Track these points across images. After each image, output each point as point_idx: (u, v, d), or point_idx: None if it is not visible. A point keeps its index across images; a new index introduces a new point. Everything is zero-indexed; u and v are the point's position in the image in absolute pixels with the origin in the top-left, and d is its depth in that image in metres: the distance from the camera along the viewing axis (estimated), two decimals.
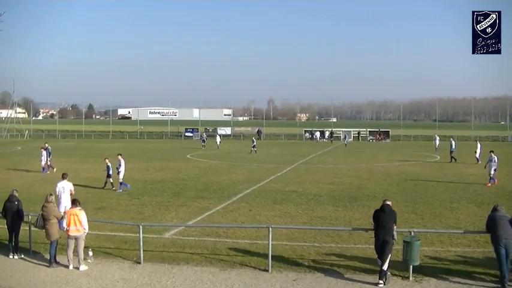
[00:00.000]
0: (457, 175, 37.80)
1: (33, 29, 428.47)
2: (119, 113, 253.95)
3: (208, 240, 18.34)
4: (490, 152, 33.77)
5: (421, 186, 31.76)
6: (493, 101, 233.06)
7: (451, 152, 49.59)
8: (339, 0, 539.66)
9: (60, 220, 15.84)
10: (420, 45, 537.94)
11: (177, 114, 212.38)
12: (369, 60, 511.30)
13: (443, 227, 20.54)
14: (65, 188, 20.63)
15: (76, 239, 15.32)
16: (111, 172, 30.57)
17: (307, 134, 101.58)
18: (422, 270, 14.50)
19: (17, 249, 16.53)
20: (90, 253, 16.00)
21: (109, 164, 30.74)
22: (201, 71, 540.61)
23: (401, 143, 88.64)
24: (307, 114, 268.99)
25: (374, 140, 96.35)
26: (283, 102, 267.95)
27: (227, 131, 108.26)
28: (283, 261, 15.74)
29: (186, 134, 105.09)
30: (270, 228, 15.26)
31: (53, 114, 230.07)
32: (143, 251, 15.89)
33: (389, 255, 13.90)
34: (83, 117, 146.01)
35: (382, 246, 13.97)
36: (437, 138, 65.66)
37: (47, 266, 15.51)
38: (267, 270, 14.87)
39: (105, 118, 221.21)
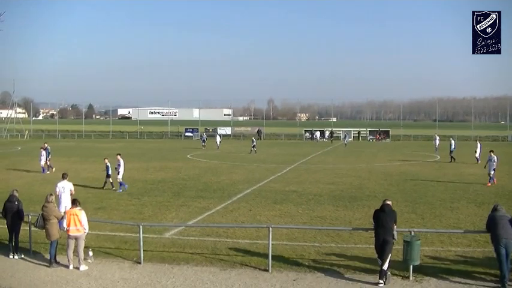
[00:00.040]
0: (457, 175, 37.80)
1: (33, 29, 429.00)
2: (119, 113, 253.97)
3: (209, 240, 18.34)
4: (490, 151, 33.78)
5: (421, 186, 31.76)
6: (493, 101, 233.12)
7: (451, 151, 49.61)
8: (339, 0, 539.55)
9: (60, 220, 15.84)
10: (420, 45, 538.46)
11: (177, 114, 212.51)
12: (369, 60, 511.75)
13: (443, 226, 20.55)
14: (65, 188, 20.63)
15: (76, 239, 15.32)
16: (110, 172, 30.56)
17: (307, 134, 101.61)
18: (422, 270, 14.51)
19: (17, 249, 16.53)
20: (90, 253, 16.00)
21: (108, 164, 30.72)
22: (201, 71, 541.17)
23: (402, 143, 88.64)
24: (307, 114, 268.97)
25: (374, 140, 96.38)
26: (283, 102, 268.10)
27: (227, 131, 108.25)
28: (284, 261, 15.74)
29: (186, 134, 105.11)
30: (270, 228, 15.26)
31: (53, 114, 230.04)
32: (143, 251, 15.88)
33: (390, 255, 13.90)
34: (83, 117, 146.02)
35: (382, 246, 13.97)
36: (437, 138, 65.73)
37: (47, 266, 15.50)
38: (267, 270, 14.86)
39: (105, 118, 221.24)
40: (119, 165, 30.06)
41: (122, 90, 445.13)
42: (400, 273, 14.37)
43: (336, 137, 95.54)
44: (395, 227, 14.32)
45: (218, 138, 73.26)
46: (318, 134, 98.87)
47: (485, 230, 14.59)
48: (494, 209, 14.28)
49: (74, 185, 21.79)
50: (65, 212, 16.52)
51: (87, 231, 15.69)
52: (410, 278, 14.06)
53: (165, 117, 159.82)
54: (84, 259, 15.50)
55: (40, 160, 39.34)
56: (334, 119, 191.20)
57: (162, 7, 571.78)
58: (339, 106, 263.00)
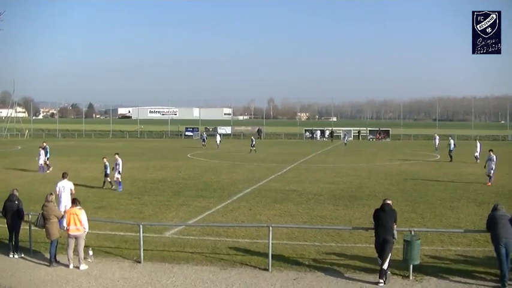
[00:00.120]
0: (457, 174, 37.81)
1: (33, 29, 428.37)
2: (119, 112, 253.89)
3: (209, 239, 18.34)
4: (489, 151, 33.80)
5: (421, 186, 31.76)
6: (493, 101, 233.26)
7: (450, 151, 49.63)
8: (339, 0, 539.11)
9: (60, 219, 15.84)
10: (420, 45, 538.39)
11: (177, 113, 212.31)
12: (369, 60, 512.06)
13: (443, 226, 20.55)
14: (65, 188, 20.62)
15: (76, 238, 15.32)
16: (108, 171, 30.54)
17: (307, 133, 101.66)
18: (422, 270, 14.51)
19: (17, 249, 16.52)
20: (91, 252, 16.00)
21: (107, 163, 30.70)
22: (201, 71, 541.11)
23: (402, 142, 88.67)
24: (307, 114, 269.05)
25: (374, 139, 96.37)
26: (283, 101, 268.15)
27: (227, 130, 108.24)
28: (284, 260, 15.74)
29: (186, 133, 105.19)
30: (270, 228, 15.26)
31: (53, 113, 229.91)
32: (143, 250, 15.88)
33: (390, 255, 13.90)
34: (83, 116, 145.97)
35: (382, 246, 13.97)
36: (437, 137, 65.74)
37: (47, 265, 15.50)
38: (267, 269, 14.86)
39: (106, 117, 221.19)
40: (117, 164, 30.02)
41: (122, 89, 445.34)
42: (400, 273, 14.37)
43: (336, 136, 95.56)
44: (395, 226, 14.32)
45: (218, 138, 73.30)
46: (318, 133, 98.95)
47: (485, 230, 14.58)
48: (495, 209, 14.28)
49: (74, 184, 21.76)
50: (65, 211, 16.50)
51: (87, 230, 15.69)
52: (411, 278, 14.06)
53: (165, 117, 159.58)
54: (84, 258, 15.50)
55: (39, 159, 39.30)
56: (335, 119, 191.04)
57: (162, 7, 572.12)
58: (339, 105, 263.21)
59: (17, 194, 17.07)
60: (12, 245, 16.53)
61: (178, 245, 17.67)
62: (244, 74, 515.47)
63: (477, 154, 46.39)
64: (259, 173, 38.85)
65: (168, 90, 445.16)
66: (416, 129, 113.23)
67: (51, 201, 16.15)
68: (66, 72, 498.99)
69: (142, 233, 16.03)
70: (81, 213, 15.47)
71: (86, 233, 15.67)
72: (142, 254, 15.77)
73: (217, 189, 30.09)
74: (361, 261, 15.56)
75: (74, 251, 15.38)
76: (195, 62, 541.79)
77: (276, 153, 60.52)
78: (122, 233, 18.94)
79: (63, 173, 21.57)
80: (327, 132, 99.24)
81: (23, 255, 16.48)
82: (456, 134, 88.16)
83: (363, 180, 34.59)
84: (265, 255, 15.26)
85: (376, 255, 14.28)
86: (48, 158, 40.34)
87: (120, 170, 29.98)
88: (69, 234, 15.34)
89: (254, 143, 62.26)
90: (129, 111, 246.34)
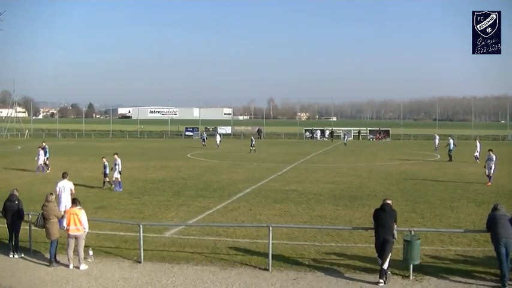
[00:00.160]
0: (457, 174, 37.82)
1: (34, 29, 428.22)
2: (119, 112, 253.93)
3: (209, 239, 18.35)
4: (489, 150, 33.83)
5: (421, 186, 31.77)
6: (493, 100, 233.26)
7: (450, 151, 49.65)
8: (339, 0, 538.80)
9: (60, 219, 15.84)
10: (420, 45, 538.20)
11: (177, 113, 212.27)
12: (369, 60, 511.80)
13: (443, 226, 20.55)
14: (65, 187, 20.62)
15: (76, 238, 15.33)
16: (108, 171, 30.51)
17: (307, 133, 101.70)
18: (422, 269, 14.51)
19: (17, 249, 16.53)
20: (91, 252, 16.00)
21: (106, 163, 30.67)
22: (201, 71, 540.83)
23: (402, 142, 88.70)
24: (307, 114, 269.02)
25: (374, 139, 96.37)
26: (283, 101, 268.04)
27: (227, 130, 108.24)
28: (284, 260, 15.74)
29: (186, 133, 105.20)
30: (270, 228, 15.27)
31: (53, 113, 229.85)
32: (143, 250, 15.88)
33: (390, 254, 13.90)
34: (83, 116, 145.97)
35: (382, 245, 13.97)
36: (437, 137, 65.72)
37: (47, 265, 15.50)
38: (268, 269, 14.86)
39: (106, 117, 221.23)
40: (116, 164, 29.99)
41: (122, 89, 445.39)
42: (400, 273, 14.38)
43: (336, 136, 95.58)
44: (395, 226, 14.32)
45: (218, 138, 73.33)
46: (318, 133, 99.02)
47: (485, 229, 14.58)
48: (495, 208, 14.29)
49: (74, 184, 21.78)
50: (65, 211, 16.51)
51: (87, 230, 15.69)
52: (411, 277, 14.07)
53: (165, 117, 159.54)
54: (84, 258, 15.50)
55: (38, 159, 39.24)
56: (335, 118, 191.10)
57: (162, 7, 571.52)
58: (339, 105, 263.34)
59: (17, 194, 17.07)
60: (12, 245, 16.53)
61: (178, 245, 17.67)
62: (244, 74, 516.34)
63: (477, 154, 46.43)
64: (259, 173, 38.86)
65: (168, 90, 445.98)
66: (416, 129, 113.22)
67: (51, 201, 16.15)
68: (66, 72, 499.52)
69: (143, 233, 16.03)
70: (81, 213, 15.48)
71: (86, 233, 15.67)
72: (142, 254, 15.77)
73: (217, 189, 30.09)
74: (361, 261, 15.56)
75: (74, 251, 15.38)
76: (195, 62, 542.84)
77: (276, 153, 60.53)
78: (122, 233, 18.94)
79: (63, 173, 21.57)
80: (327, 132, 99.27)
81: (23, 255, 16.48)
82: (456, 134, 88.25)
83: (363, 180, 34.60)
84: (265, 255, 15.26)
85: (376, 255, 14.29)
86: (47, 158, 40.30)
87: (120, 170, 29.96)
88: (69, 234, 15.34)
89: (254, 143, 62.27)
90: (129, 111, 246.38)
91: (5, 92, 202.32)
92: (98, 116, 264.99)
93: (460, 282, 13.83)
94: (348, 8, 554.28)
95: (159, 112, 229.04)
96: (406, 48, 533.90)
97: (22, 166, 42.68)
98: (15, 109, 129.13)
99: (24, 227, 17.06)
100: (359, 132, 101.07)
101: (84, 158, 51.19)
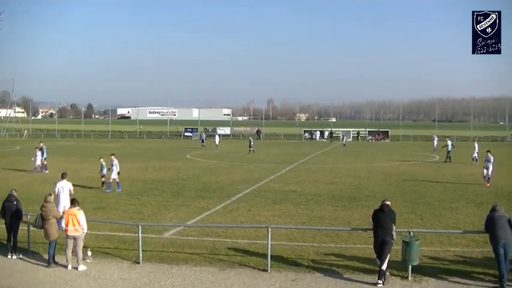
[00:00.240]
0: (456, 175, 37.83)
1: (33, 29, 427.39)
2: (118, 113, 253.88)
3: (208, 240, 18.34)
4: (487, 151, 33.91)
5: (420, 187, 31.78)
6: (492, 102, 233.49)
7: (448, 152, 49.68)
8: (339, 0, 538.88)
9: (59, 220, 15.83)
10: (420, 45, 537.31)
11: (176, 114, 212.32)
12: (368, 61, 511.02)
13: (442, 227, 20.57)
14: (64, 188, 20.59)
15: (75, 239, 15.31)
16: (105, 172, 30.40)
17: (306, 134, 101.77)
18: (421, 270, 14.52)
19: (15, 249, 16.51)
20: (89, 253, 15.99)
21: (103, 163, 30.57)
22: (201, 71, 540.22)
23: (401, 143, 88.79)
24: (306, 114, 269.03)
25: (373, 140, 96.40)
26: (282, 102, 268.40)
27: (226, 130, 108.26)
28: (283, 261, 15.74)
29: (185, 133, 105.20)
30: (269, 229, 15.28)
31: (52, 113, 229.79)
32: (142, 251, 15.88)
33: (389, 255, 13.91)
34: (82, 116, 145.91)
35: (381, 246, 13.98)
36: (436, 138, 65.68)
37: (45, 266, 15.49)
38: (266, 270, 14.86)
39: (105, 118, 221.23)
40: (113, 165, 29.92)
41: (122, 90, 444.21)
42: (399, 274, 14.38)
43: (335, 137, 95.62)
44: (394, 227, 14.33)
45: (217, 138, 73.34)
46: (317, 134, 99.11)
47: (484, 230, 14.59)
48: (493, 209, 14.29)
49: (73, 184, 21.76)
50: (63, 212, 16.50)
51: (85, 231, 15.67)
52: (409, 278, 14.08)
53: (165, 117, 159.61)
54: (83, 259, 15.49)
55: (35, 160, 39.16)
56: (334, 119, 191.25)
57: (162, 7, 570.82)
58: (338, 106, 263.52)
59: (15, 194, 17.06)
60: (10, 245, 16.50)
61: (177, 245, 17.67)
62: (244, 74, 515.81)
63: (475, 155, 46.50)
64: (259, 173, 38.87)
65: (168, 90, 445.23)
66: (415, 130, 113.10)
67: (50, 202, 16.15)
68: (65, 72, 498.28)
69: (142, 233, 16.03)
70: (80, 214, 15.47)
71: (84, 233, 15.66)
72: (141, 255, 15.76)
73: (216, 190, 30.10)
74: (360, 262, 15.57)
75: (72, 252, 15.37)
76: (194, 62, 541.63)
77: (275, 154, 60.56)
78: (121, 234, 18.93)
79: (62, 174, 21.55)
80: (326, 133, 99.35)
81: (21, 256, 16.45)
82: (455, 135, 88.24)
83: (362, 181, 34.62)
84: (264, 256, 15.26)
85: (374, 256, 14.29)
86: (45, 159, 40.23)
87: (118, 170, 29.91)
88: (67, 235, 15.33)
89: (252, 143, 62.24)
90: (129, 112, 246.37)
91: (4, 92, 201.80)
92: (97, 117, 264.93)
93: (459, 283, 13.85)
94: (348, 8, 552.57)
95: (158, 113, 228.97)
96: (406, 48, 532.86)
97: (21, 166, 42.60)
98: (14, 109, 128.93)
99: (22, 227, 17.05)
100: (358, 133, 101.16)
101: (83, 159, 51.15)
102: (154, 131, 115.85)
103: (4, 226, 16.82)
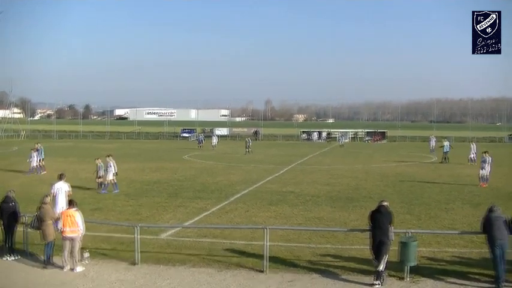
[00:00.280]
0: (453, 176, 37.88)
1: (31, 30, 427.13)
2: (116, 114, 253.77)
3: (205, 241, 18.34)
4: (483, 153, 34.00)
5: (417, 187, 31.83)
6: (490, 102, 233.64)
7: (445, 153, 49.73)
8: (339, 0, 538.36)
9: (56, 221, 15.82)
10: (419, 46, 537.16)
11: (175, 114, 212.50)
12: (367, 61, 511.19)
13: (439, 227, 20.61)
14: (62, 189, 20.50)
15: (72, 240, 15.29)
16: (101, 173, 30.20)
17: (303, 135, 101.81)
18: (418, 271, 14.53)
19: (12, 251, 16.50)
20: (87, 254, 15.97)
21: (99, 164, 30.37)
22: (200, 72, 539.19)
23: (398, 144, 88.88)
24: (304, 115, 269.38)
25: (370, 141, 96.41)
26: (281, 103, 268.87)
27: (224, 131, 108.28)
28: (280, 262, 15.75)
29: (182, 134, 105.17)
30: (267, 230, 15.29)
31: (49, 114, 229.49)
32: (140, 252, 15.87)
33: (386, 256, 13.93)
34: (81, 117, 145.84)
35: (378, 247, 14.01)
36: (434, 139, 65.58)
37: (43, 267, 15.48)
38: (263, 271, 14.87)
39: (103, 118, 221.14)
40: (110, 166, 29.84)
41: (120, 90, 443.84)
42: (397, 274, 14.39)
43: (333, 138, 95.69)
44: (392, 228, 14.34)
45: (214, 139, 73.34)
46: (315, 135, 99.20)
47: (481, 231, 14.60)
48: (491, 210, 14.28)
49: (71, 185, 21.72)
50: (61, 213, 16.48)
51: (83, 232, 15.65)
52: (407, 279, 14.09)
53: (162, 118, 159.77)
54: (81, 260, 15.49)
55: (31, 161, 39.07)
56: (332, 120, 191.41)
57: (162, 7, 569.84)
58: (336, 107, 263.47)
59: (13, 195, 17.05)
60: (7, 247, 16.49)
61: (174, 246, 17.68)
62: (243, 74, 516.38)
63: (472, 156, 46.58)
64: (256, 174, 38.89)
65: (167, 91, 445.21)
66: (413, 131, 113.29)
67: (47, 203, 16.15)
68: (64, 73, 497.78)
69: (139, 234, 16.03)
70: (77, 215, 15.46)
71: (82, 234, 15.64)
72: (139, 256, 15.76)
73: (214, 191, 30.11)
74: (357, 263, 15.59)
75: (70, 253, 15.36)
76: (193, 63, 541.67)
77: (273, 155, 60.59)
78: (118, 235, 18.88)
79: (60, 174, 21.42)
80: (324, 134, 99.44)
81: (18, 257, 16.44)
82: (453, 136, 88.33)
83: (359, 181, 34.65)
84: (261, 257, 15.26)
85: (371, 257, 14.31)
86: (43, 159, 40.18)
87: (115, 171, 29.82)
88: (65, 236, 15.31)
89: (249, 144, 62.14)
90: (127, 112, 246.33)
91: (2, 92, 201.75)
92: (95, 117, 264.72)
93: (456, 283, 13.88)
94: (347, 8, 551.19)
95: (156, 113, 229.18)
96: (405, 48, 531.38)
97: (18, 167, 42.52)
98: (12, 110, 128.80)
99: (19, 228, 17.01)
100: (356, 134, 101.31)
101: (81, 159, 51.07)
102: (152, 131, 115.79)
103: (1, 228, 16.78)
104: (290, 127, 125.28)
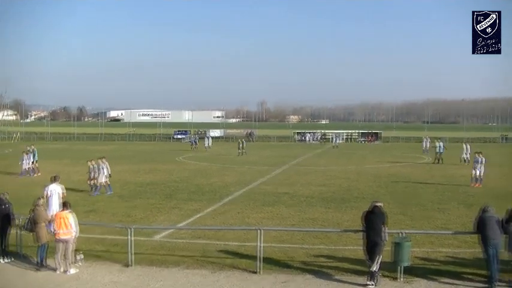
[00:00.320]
0: (446, 176, 37.95)
1: (24, 31, 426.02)
2: (110, 115, 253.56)
3: (198, 242, 18.31)
4: (475, 153, 34.15)
5: (410, 188, 31.91)
6: (484, 103, 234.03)
7: (439, 153, 49.81)
8: (334, 0, 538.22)
9: (49, 223, 15.79)
10: (419, 45, 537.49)
11: (169, 116, 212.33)
12: (363, 62, 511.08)
13: (433, 228, 20.65)
14: (55, 191, 20.42)
15: (65, 242, 15.25)
16: (93, 175, 30.02)
17: (297, 136, 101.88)
18: (412, 271, 14.54)
19: (6, 253, 16.45)
20: (80, 256, 15.91)
21: (91, 166, 30.23)
22: (198, 72, 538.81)
23: (391, 145, 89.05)
24: (299, 116, 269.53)
25: (365, 142, 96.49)
26: (275, 104, 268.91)
27: (218, 133, 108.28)
28: (273, 263, 15.75)
29: (175, 136, 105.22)
30: (260, 231, 15.30)
31: (43, 116, 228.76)
32: (133, 254, 15.84)
33: (380, 257, 13.95)
34: (75, 119, 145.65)
35: (372, 248, 14.03)
36: (427, 139, 65.45)
37: (36, 269, 15.45)
38: (257, 272, 14.88)
39: (97, 120, 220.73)
40: (102, 168, 29.74)
41: (114, 92, 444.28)
42: (391, 275, 14.41)
43: (327, 139, 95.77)
44: (386, 228, 14.36)
45: (208, 140, 73.29)
46: (308, 136, 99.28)
47: (474, 231, 14.62)
48: (484, 210, 14.32)
49: (65, 187, 21.66)
50: (54, 215, 16.43)
51: (77, 234, 15.62)
52: (401, 279, 14.12)
53: (156, 119, 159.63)
54: (74, 262, 15.46)
55: (22, 164, 38.97)
56: (327, 121, 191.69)
57: (162, 7, 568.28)
58: (331, 108, 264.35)
59: (6, 197, 17.00)
60: (1, 249, 16.44)
61: (168, 248, 17.67)
62: (238, 75, 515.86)
63: (465, 156, 46.70)
64: (251, 175, 38.88)
65: (161, 93, 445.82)
66: (407, 132, 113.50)
67: (41, 206, 16.13)
68: (63, 74, 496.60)
69: (133, 236, 16.00)
70: (71, 217, 15.43)
71: (76, 236, 15.60)
72: (132, 258, 15.74)
73: (208, 192, 30.10)
74: (350, 264, 15.61)
75: (63, 255, 15.32)
76: (190, 64, 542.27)
77: (267, 156, 60.58)
78: (112, 237, 18.85)
79: (54, 176, 21.30)
80: (318, 135, 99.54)
81: (12, 259, 16.40)
82: (448, 137, 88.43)
83: (352, 182, 34.69)
84: (255, 258, 15.26)
85: (365, 257, 14.33)
86: (36, 161, 40.11)
87: (106, 173, 29.66)
88: (58, 238, 15.27)
89: (242, 145, 61.98)
90: (122, 114, 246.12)
91: None
92: (89, 119, 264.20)
93: (449, 283, 13.93)
94: (347, 8, 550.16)
95: (150, 115, 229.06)
96: (404, 49, 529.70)
97: (11, 170, 42.37)
98: (5, 112, 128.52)
99: (13, 231, 16.96)
100: (351, 135, 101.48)
101: (75, 162, 50.89)
102: (146, 133, 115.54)
103: None
104: (284, 128, 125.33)
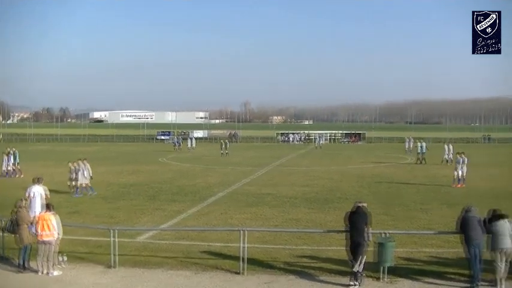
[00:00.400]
0: (429, 177, 38.15)
1: (31, 30, 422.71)
2: (94, 116, 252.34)
3: (182, 243, 18.25)
4: (458, 153, 34.38)
5: (393, 188, 32.04)
6: (467, 103, 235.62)
7: (422, 153, 50.04)
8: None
9: (31, 225, 15.67)
10: (418, 45, 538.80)
11: (153, 117, 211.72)
12: (347, 62, 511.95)
13: (416, 228, 20.73)
14: (38, 193, 20.27)
15: (48, 244, 15.15)
16: (74, 176, 29.83)
17: (280, 137, 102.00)
18: (396, 272, 14.58)
19: None
20: (63, 258, 15.81)
21: (72, 167, 30.01)
22: (201, 72, 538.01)
23: (374, 145, 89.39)
24: (283, 117, 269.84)
25: (348, 142, 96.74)
26: (259, 105, 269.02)
27: (201, 134, 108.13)
28: (256, 264, 15.73)
29: (158, 137, 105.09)
30: (244, 231, 15.29)
31: (24, 117, 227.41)
32: (117, 255, 15.77)
33: (363, 257, 13.98)
34: (58, 120, 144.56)
35: (355, 248, 14.05)
36: (410, 140, 65.69)
37: (18, 271, 15.32)
38: (240, 273, 14.87)
39: (80, 121, 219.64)
40: (83, 169, 29.52)
41: (96, 93, 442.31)
42: (374, 275, 14.45)
43: (310, 139, 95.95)
44: (369, 229, 14.40)
45: (191, 141, 73.22)
46: (292, 136, 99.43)
47: (457, 231, 14.69)
48: (467, 210, 14.40)
49: (49, 189, 21.52)
50: (37, 217, 16.30)
51: (60, 235, 15.51)
52: (384, 280, 14.16)
53: (140, 120, 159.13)
54: (57, 264, 15.36)
55: (2, 165, 38.81)
56: (310, 122, 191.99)
57: (162, 7, 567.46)
58: (315, 109, 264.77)
59: None
60: None
61: (151, 249, 17.60)
62: (220, 76, 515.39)
63: (448, 157, 46.95)
64: (234, 176, 38.85)
65: (144, 94, 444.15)
66: (390, 132, 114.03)
67: (23, 207, 16.01)
68: (40, 76, 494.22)
69: (117, 238, 15.93)
70: (54, 219, 15.33)
71: (59, 238, 15.50)
72: (116, 259, 15.66)
73: (191, 193, 30.03)
74: (334, 264, 15.64)
75: (46, 257, 15.21)
76: (194, 62, 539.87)
77: (250, 157, 60.60)
78: (95, 238, 18.73)
79: (37, 178, 21.12)
80: (302, 136, 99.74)
81: None
82: (431, 137, 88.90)
83: (335, 183, 34.79)
84: (238, 259, 15.24)
85: (348, 257, 14.36)
86: (18, 163, 39.88)
87: (86, 175, 29.45)
88: (41, 240, 15.15)
89: (225, 146, 61.88)
90: (105, 115, 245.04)
91: None
92: (72, 120, 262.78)
93: (433, 283, 14.00)
94: (346, 8, 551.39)
95: (133, 116, 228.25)
96: (404, 48, 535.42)
97: None
98: None
99: None
100: (334, 135, 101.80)
101: (58, 163, 50.52)
102: (129, 134, 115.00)
103: None
104: (267, 129, 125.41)
